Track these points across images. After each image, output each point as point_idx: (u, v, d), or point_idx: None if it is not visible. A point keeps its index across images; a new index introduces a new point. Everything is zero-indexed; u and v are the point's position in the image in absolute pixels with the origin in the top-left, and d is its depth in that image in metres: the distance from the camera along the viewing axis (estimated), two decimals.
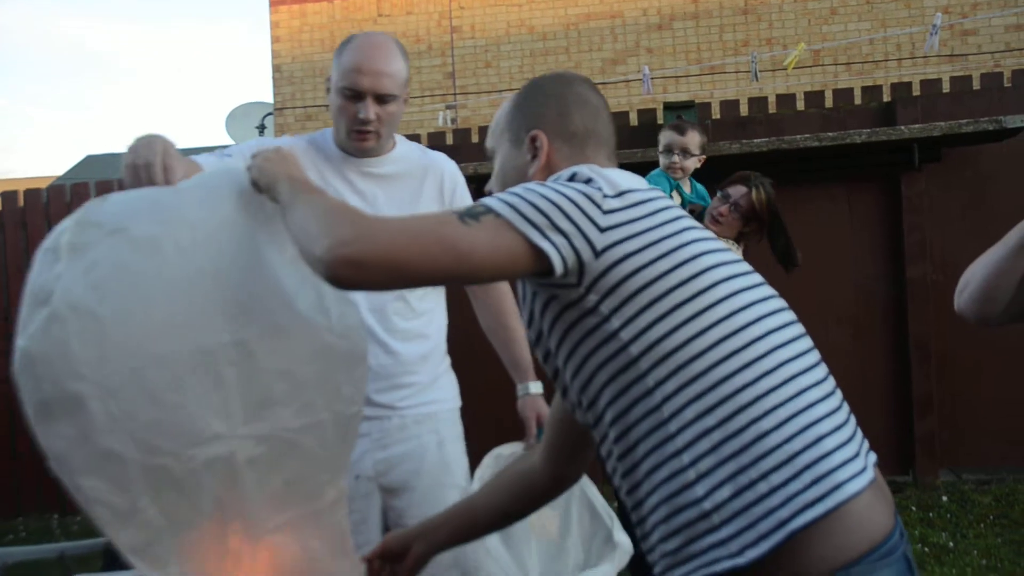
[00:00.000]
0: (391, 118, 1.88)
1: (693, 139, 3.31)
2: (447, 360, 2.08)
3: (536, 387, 2.11)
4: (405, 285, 1.07)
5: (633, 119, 5.20)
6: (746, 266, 1.14)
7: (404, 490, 1.93)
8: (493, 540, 2.03)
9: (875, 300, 4.71)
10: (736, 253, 2.80)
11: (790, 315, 1.13)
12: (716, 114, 5.39)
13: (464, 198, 2.03)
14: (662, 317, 1.04)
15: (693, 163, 3.34)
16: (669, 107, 4.99)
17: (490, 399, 2.99)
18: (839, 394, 1.11)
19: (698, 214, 3.13)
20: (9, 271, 5.28)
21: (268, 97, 9.06)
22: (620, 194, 1.09)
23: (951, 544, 3.73)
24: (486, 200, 1.09)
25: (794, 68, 5.60)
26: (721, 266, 1.09)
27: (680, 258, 1.07)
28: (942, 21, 4.99)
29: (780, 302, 1.14)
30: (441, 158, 2.05)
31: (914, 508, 4.21)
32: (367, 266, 1.00)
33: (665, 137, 3.36)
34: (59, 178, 15.84)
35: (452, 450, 2.01)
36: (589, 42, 8.47)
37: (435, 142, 5.06)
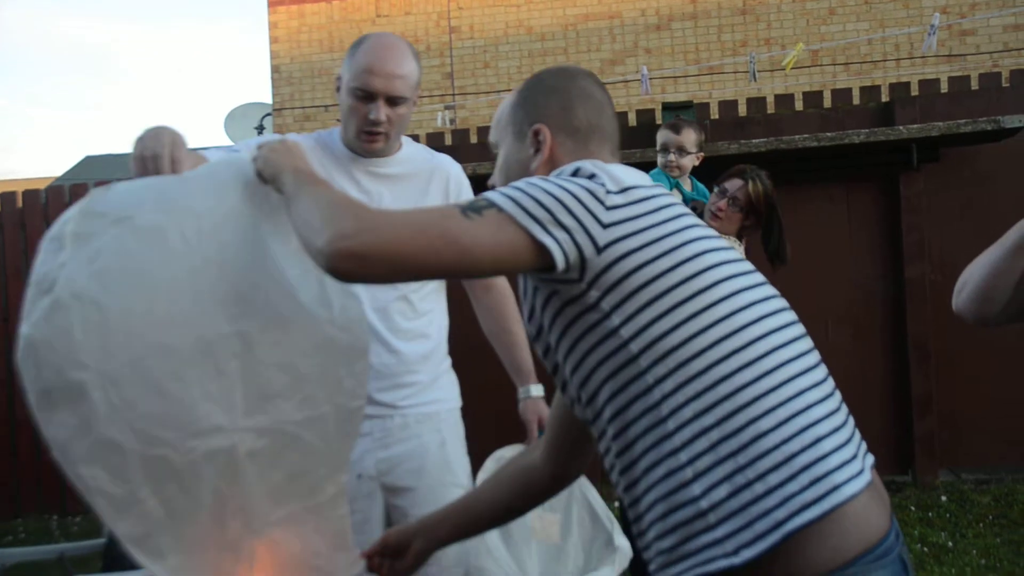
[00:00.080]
0: (401, 120, 1.89)
1: (689, 137, 3.31)
2: (448, 360, 2.08)
3: (537, 390, 2.11)
4: (407, 278, 1.07)
5: (632, 119, 5.20)
6: (748, 265, 1.14)
7: (406, 489, 1.94)
8: (495, 541, 2.04)
9: (874, 300, 4.71)
10: (739, 250, 2.80)
11: (791, 315, 1.13)
12: (715, 114, 5.39)
13: None
14: (662, 315, 1.04)
15: (690, 161, 3.34)
16: (668, 107, 5.00)
17: (489, 399, 2.99)
18: (838, 395, 1.11)
19: (699, 212, 3.13)
20: (8, 272, 5.27)
21: (267, 98, 9.07)
22: (623, 190, 1.09)
23: (950, 544, 3.74)
24: (489, 194, 1.09)
25: (792, 68, 5.60)
26: (723, 265, 1.09)
27: (682, 256, 1.07)
28: (940, 21, 4.99)
29: (781, 302, 1.13)
30: (447, 160, 2.06)
31: (913, 508, 4.21)
32: (369, 259, 1.00)
33: (661, 136, 3.37)
34: (58, 179, 15.83)
35: (454, 450, 2.01)
36: (587, 42, 8.47)
37: (434, 142, 5.06)
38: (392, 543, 1.44)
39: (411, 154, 2.00)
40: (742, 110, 5.14)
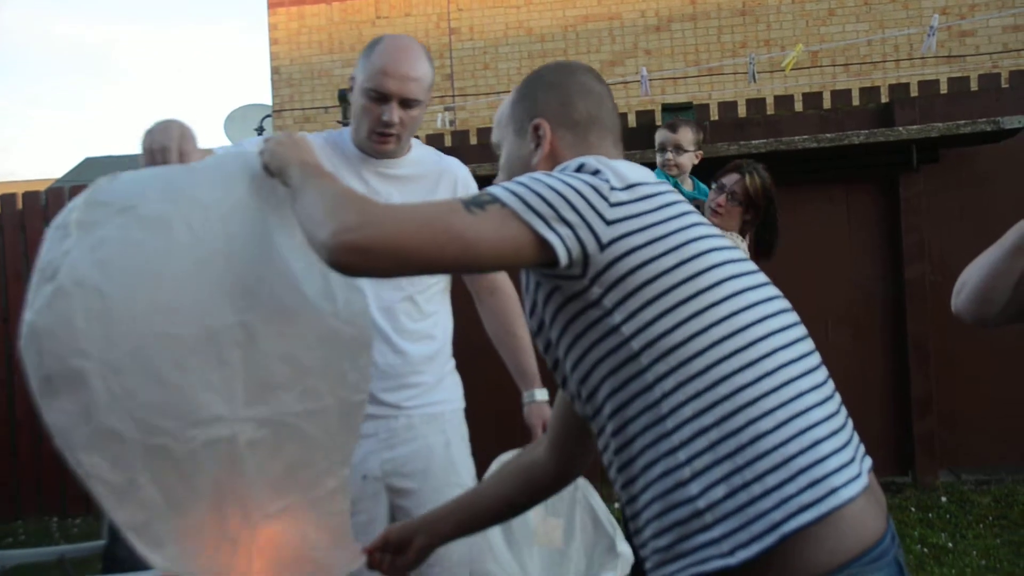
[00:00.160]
0: (413, 122, 1.90)
1: (686, 135, 3.32)
2: (452, 362, 2.09)
3: (542, 394, 2.11)
4: (410, 272, 1.07)
5: (631, 121, 5.20)
6: (751, 265, 1.14)
7: (411, 490, 1.94)
8: (499, 545, 2.04)
9: (874, 300, 4.71)
10: (742, 246, 2.79)
11: (793, 316, 1.13)
12: (714, 115, 5.39)
13: None
14: (665, 313, 1.04)
15: (688, 159, 3.34)
16: (667, 108, 5.00)
17: (491, 400, 2.99)
18: (838, 398, 1.11)
19: (700, 211, 3.12)
20: (8, 274, 5.27)
21: (267, 99, 9.06)
22: (628, 187, 1.08)
23: (950, 545, 3.74)
24: (492, 189, 1.09)
25: (792, 69, 5.60)
26: (727, 264, 1.09)
27: (686, 254, 1.06)
28: (940, 22, 4.99)
29: (784, 303, 1.13)
30: (455, 163, 2.07)
31: (913, 509, 4.21)
32: (371, 252, 1.00)
33: (659, 136, 3.38)
34: (58, 180, 15.84)
35: (458, 451, 2.02)
36: (587, 44, 8.47)
37: (433, 144, 5.03)
38: (394, 539, 1.43)
39: (420, 156, 2.01)
40: (742, 111, 5.14)
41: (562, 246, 1.04)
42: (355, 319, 1.41)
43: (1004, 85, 4.95)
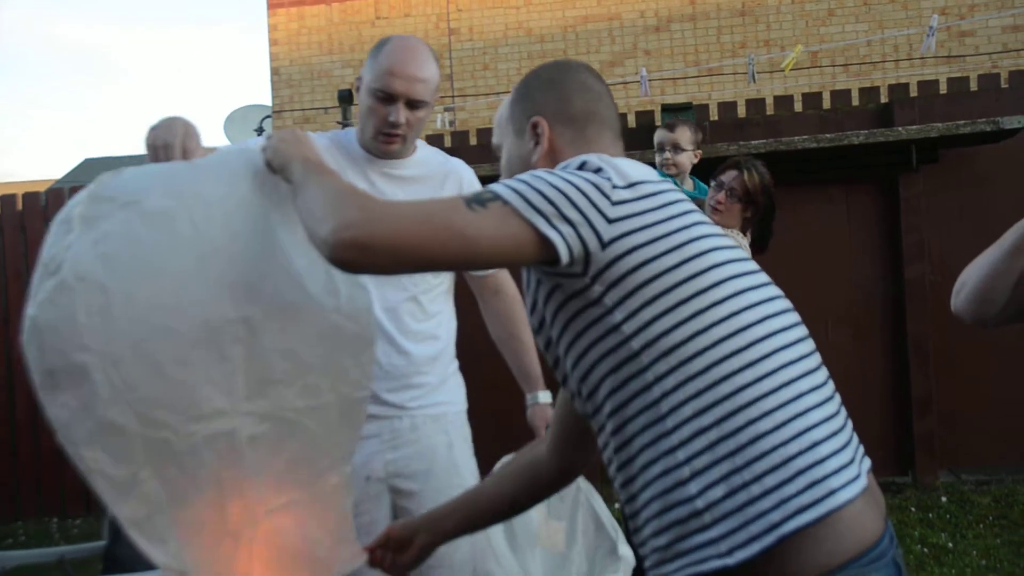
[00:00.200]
0: (419, 123, 1.90)
1: (683, 135, 3.32)
2: (455, 363, 2.09)
3: (545, 396, 2.11)
4: (410, 269, 1.07)
5: (631, 121, 5.20)
6: (753, 265, 1.14)
7: (414, 492, 1.94)
8: (502, 548, 2.04)
9: (874, 300, 4.71)
10: (744, 243, 2.79)
11: (795, 316, 1.13)
12: (714, 116, 5.40)
13: None
14: (666, 312, 1.04)
15: (687, 158, 3.34)
16: (667, 109, 5.00)
17: (492, 399, 2.99)
18: (837, 399, 1.10)
19: (701, 209, 3.12)
20: (8, 275, 5.27)
21: (266, 100, 9.07)
22: (630, 185, 1.08)
23: (950, 545, 3.74)
24: (494, 186, 1.09)
25: (792, 70, 5.61)
26: (728, 263, 1.09)
27: (688, 253, 1.06)
28: (939, 23, 5.00)
29: (785, 303, 1.13)
30: (460, 164, 2.07)
31: (913, 509, 4.21)
32: (372, 248, 1.00)
33: (657, 136, 3.38)
34: (57, 181, 15.83)
35: (461, 452, 2.02)
36: (587, 44, 8.47)
37: (433, 144, 5.04)
38: (395, 537, 1.43)
39: (425, 157, 2.02)
40: (741, 111, 5.14)
41: (563, 244, 1.04)
42: (358, 315, 1.41)
43: (1004, 85, 4.95)
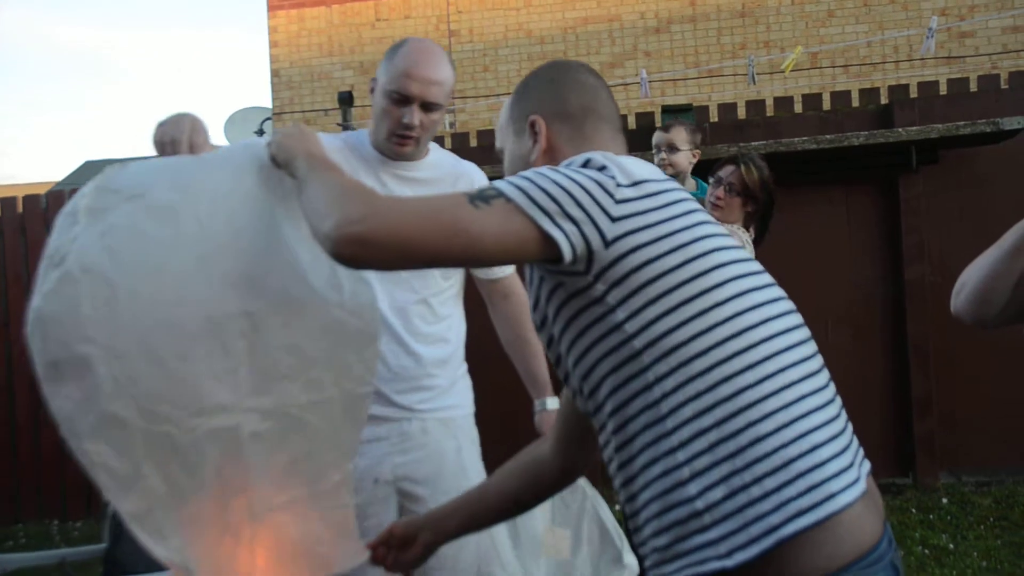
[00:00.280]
0: (433, 126, 1.91)
1: (678, 135, 3.32)
2: (464, 366, 2.09)
3: (553, 403, 2.11)
4: (413, 265, 1.07)
5: (631, 123, 5.21)
6: (757, 265, 1.13)
7: (422, 496, 1.94)
8: (507, 552, 2.04)
9: (874, 301, 4.71)
10: (746, 238, 2.78)
11: (797, 318, 1.12)
12: (714, 117, 5.40)
13: None
14: (668, 312, 1.04)
15: (684, 158, 3.34)
16: (667, 110, 5.01)
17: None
18: (838, 401, 1.10)
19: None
20: (8, 277, 5.26)
21: (267, 102, 9.07)
22: (634, 184, 1.07)
23: (951, 546, 3.74)
24: (497, 183, 1.08)
25: (791, 71, 5.61)
26: (732, 264, 1.08)
27: (691, 253, 1.06)
28: (939, 24, 5.00)
29: (788, 304, 1.13)
30: (472, 167, 2.08)
31: (914, 510, 4.20)
32: (374, 244, 1.00)
33: (654, 138, 3.39)
34: (58, 184, 15.83)
35: (469, 456, 2.02)
36: (587, 46, 8.48)
37: None
38: (398, 534, 1.43)
39: (438, 160, 2.02)
40: (741, 113, 5.15)
41: (566, 242, 1.03)
42: (361, 311, 1.41)
43: (1003, 86, 4.95)
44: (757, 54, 7.24)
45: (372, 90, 1.92)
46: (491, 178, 1.36)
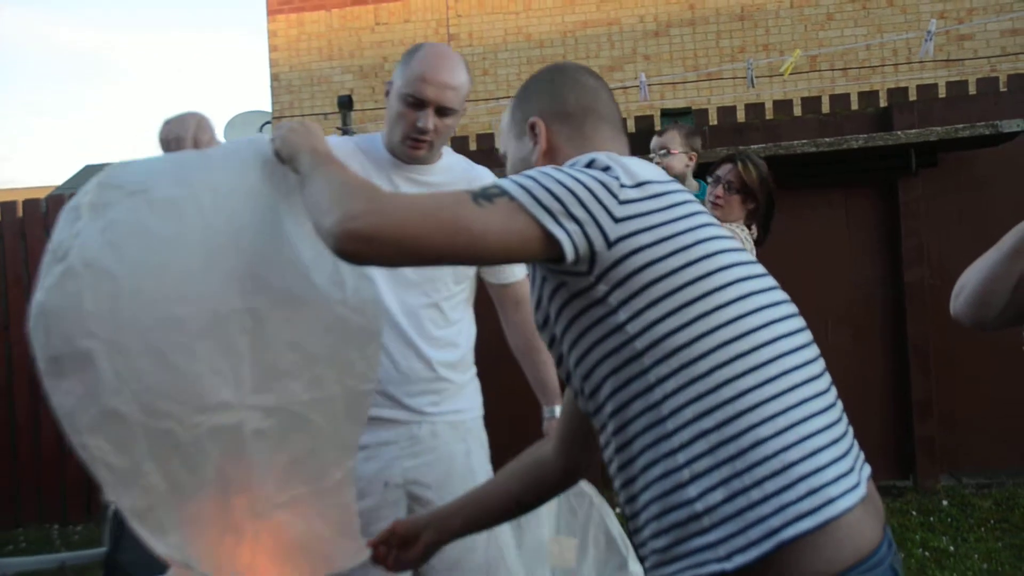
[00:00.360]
0: (447, 130, 1.92)
1: (672, 138, 3.34)
2: (474, 369, 2.09)
3: None
4: (415, 262, 1.07)
5: (631, 126, 5.22)
6: (760, 268, 1.13)
7: (432, 499, 1.94)
8: (512, 558, 2.04)
9: (874, 304, 4.72)
10: (746, 237, 2.79)
11: (800, 321, 1.12)
12: (713, 120, 5.40)
13: None
14: (670, 313, 1.03)
15: (679, 161, 3.35)
16: (666, 113, 5.02)
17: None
18: (839, 405, 1.10)
19: None
20: (8, 281, 5.27)
21: (266, 106, 9.08)
22: (638, 184, 1.07)
23: (952, 548, 3.74)
24: (501, 182, 1.08)
25: (791, 74, 5.61)
26: (735, 266, 1.08)
27: (694, 255, 1.06)
28: (937, 27, 5.01)
29: (791, 307, 1.12)
30: (485, 171, 2.08)
31: (915, 513, 4.20)
32: (376, 240, 1.00)
33: (652, 144, 3.40)
34: (58, 188, 15.84)
35: (478, 459, 2.03)
36: (586, 49, 8.49)
37: None
38: (401, 533, 1.43)
39: (451, 164, 2.03)
40: (741, 116, 5.15)
41: (569, 242, 1.03)
42: (364, 307, 1.41)
43: (1002, 89, 4.96)
44: (756, 57, 7.25)
45: (387, 93, 1.93)
46: None
